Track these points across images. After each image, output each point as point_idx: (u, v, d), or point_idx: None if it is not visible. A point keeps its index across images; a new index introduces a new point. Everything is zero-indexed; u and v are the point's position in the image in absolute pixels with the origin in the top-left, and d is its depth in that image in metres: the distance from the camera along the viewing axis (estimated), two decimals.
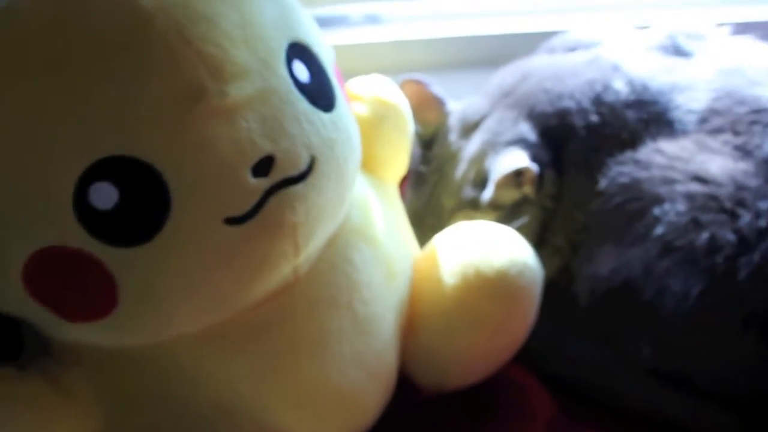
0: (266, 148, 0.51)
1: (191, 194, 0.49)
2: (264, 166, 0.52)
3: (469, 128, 0.90)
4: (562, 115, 0.86)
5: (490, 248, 0.72)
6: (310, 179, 0.57)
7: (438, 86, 0.94)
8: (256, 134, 0.51)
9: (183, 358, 0.58)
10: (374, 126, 0.75)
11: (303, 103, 0.55)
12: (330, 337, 0.62)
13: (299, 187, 0.56)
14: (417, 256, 0.75)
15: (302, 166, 0.56)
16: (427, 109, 0.93)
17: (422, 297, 0.72)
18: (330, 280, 0.64)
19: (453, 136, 0.90)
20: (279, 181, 0.53)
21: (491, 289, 0.69)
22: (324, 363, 0.62)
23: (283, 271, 0.59)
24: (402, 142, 0.78)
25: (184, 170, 0.49)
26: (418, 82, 0.92)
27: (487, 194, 0.85)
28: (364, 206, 0.69)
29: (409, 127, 0.79)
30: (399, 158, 0.79)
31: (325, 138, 0.58)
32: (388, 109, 0.77)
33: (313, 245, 0.58)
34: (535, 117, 0.88)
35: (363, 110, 0.75)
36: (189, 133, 0.49)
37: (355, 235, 0.68)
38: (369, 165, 0.74)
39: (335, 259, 0.65)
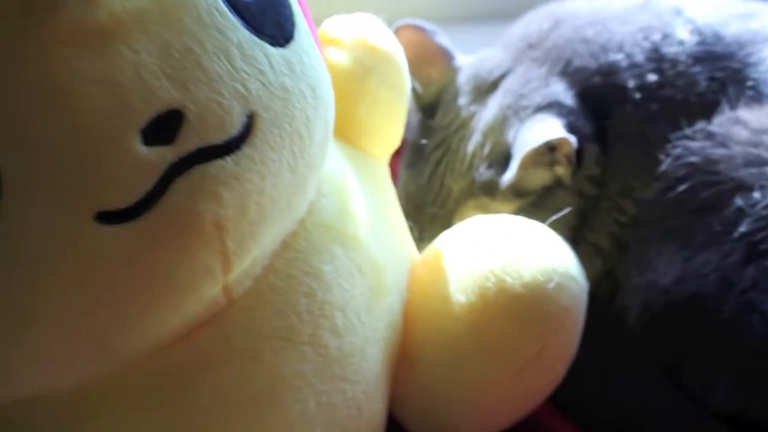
0: (169, 96, 0.34)
1: (35, 175, 0.33)
2: (165, 126, 0.35)
3: (484, 89, 0.73)
4: (609, 71, 0.69)
5: (517, 253, 0.54)
6: (247, 150, 0.37)
7: (443, 36, 0.78)
8: (150, 73, 0.34)
9: (58, 426, 0.41)
10: (357, 80, 0.58)
11: (237, 29, 0.38)
12: (284, 388, 0.45)
13: (228, 163, 0.36)
14: (414, 263, 0.59)
15: (233, 128, 0.37)
16: (429, 63, 0.76)
17: (422, 320, 0.56)
18: (285, 302, 0.45)
19: (463, 100, 0.73)
20: (192, 151, 0.36)
21: (520, 310, 0.52)
22: (275, 426, 0.45)
23: (207, 293, 0.39)
24: (395, 104, 0.61)
25: (20, 134, 0.32)
26: (418, 29, 0.75)
27: (509, 176, 0.67)
28: (339, 192, 0.52)
29: (405, 84, 0.62)
30: (390, 126, 0.61)
31: (273, 86, 0.38)
32: (377, 59, 0.59)
33: (255, 253, 0.41)
34: (572, 74, 0.70)
35: (342, 58, 0.59)
36: (25, 69, 0.32)
37: (325, 235, 0.49)
38: (349, 134, 0.58)
39: (293, 270, 0.46)
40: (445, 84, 0.76)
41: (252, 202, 0.38)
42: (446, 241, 0.59)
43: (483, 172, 0.69)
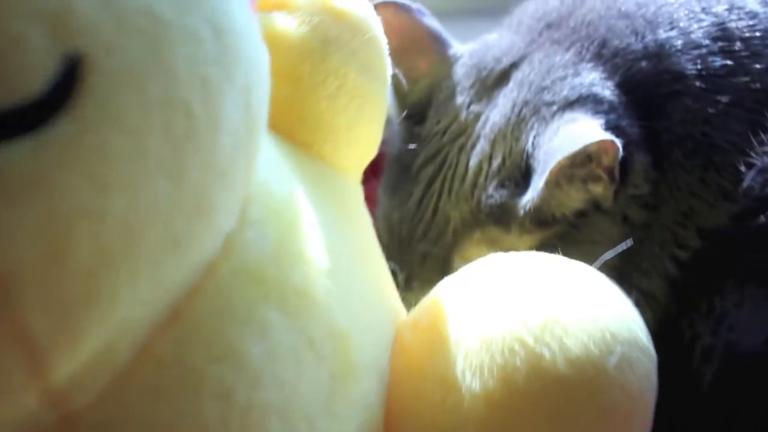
0: None
1: None
2: None
3: (490, 83, 0.57)
4: (659, 54, 0.53)
5: (556, 310, 0.36)
6: (65, 127, 0.17)
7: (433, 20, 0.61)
8: None
9: None
10: (314, 56, 0.41)
11: None
12: None
13: (18, 151, 0.16)
14: (401, 327, 0.41)
15: (30, 81, 0.19)
16: (417, 52, 0.60)
17: (413, 417, 0.37)
18: (176, 412, 0.26)
19: (462, 98, 0.57)
20: None
21: (566, 402, 0.34)
22: None
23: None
24: (369, 93, 0.43)
25: None
26: (401, 9, 0.59)
27: (532, 196, 0.50)
28: (280, 221, 0.33)
29: (384, 66, 0.45)
30: (363, 124, 0.44)
31: (127, 8, 0.18)
32: (344, 28, 0.42)
33: (104, 331, 0.22)
34: (610, 59, 0.54)
35: (292, 26, 0.41)
36: None
37: (251, 290, 0.30)
38: (302, 134, 0.41)
39: (192, 355, 0.27)
40: (437, 79, 0.59)
41: (79, 232, 0.19)
42: (446, 292, 0.40)
43: (492, 194, 0.53)
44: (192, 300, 0.27)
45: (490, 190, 0.52)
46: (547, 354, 0.34)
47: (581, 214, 0.52)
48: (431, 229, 0.55)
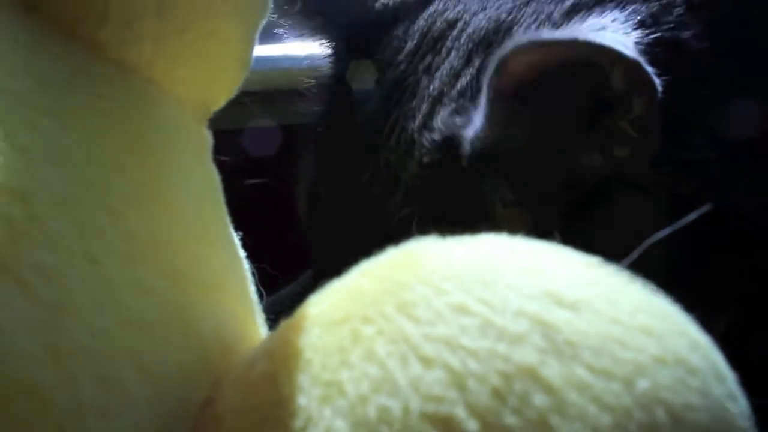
0: None
1: None
2: None
3: None
4: None
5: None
6: None
7: None
8: None
9: None
10: None
11: None
12: None
13: None
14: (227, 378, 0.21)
15: None
16: None
17: None
18: None
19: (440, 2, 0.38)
20: None
21: None
22: None
23: None
24: None
25: None
26: None
27: (476, 128, 0.32)
28: None
29: None
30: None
31: None
32: None
33: None
34: None
35: None
36: None
37: None
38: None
39: None
40: None
41: None
42: (316, 307, 0.21)
43: (438, 126, 0.33)
44: None
45: (438, 120, 0.33)
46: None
47: (601, 188, 0.32)
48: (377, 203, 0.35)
